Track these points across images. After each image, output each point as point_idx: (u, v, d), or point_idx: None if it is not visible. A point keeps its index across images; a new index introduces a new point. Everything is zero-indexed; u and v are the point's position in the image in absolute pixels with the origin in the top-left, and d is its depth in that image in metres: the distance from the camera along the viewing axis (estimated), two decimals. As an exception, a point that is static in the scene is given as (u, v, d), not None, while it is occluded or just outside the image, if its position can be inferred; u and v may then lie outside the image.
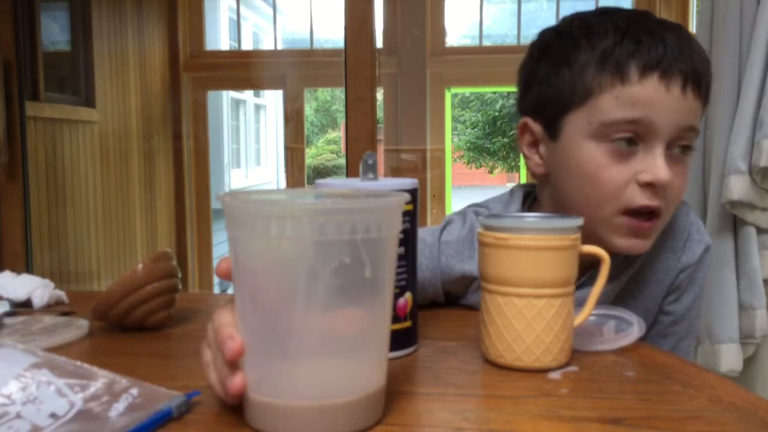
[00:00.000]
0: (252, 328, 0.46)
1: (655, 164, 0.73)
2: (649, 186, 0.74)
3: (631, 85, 0.74)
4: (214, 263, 3.63)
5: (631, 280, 0.85)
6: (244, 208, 0.45)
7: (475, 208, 0.89)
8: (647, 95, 0.73)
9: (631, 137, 0.74)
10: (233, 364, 0.46)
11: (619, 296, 0.85)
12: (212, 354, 0.50)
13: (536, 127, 0.82)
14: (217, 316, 0.49)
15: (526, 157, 0.85)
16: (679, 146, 0.76)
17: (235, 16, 4.56)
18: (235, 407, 0.48)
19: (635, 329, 0.67)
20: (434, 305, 0.83)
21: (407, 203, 0.61)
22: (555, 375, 0.58)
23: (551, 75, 0.80)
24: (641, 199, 0.74)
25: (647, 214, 0.75)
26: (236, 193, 0.47)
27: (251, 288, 0.46)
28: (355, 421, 0.46)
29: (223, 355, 0.46)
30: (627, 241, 0.77)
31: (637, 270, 0.85)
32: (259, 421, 0.47)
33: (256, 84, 4.39)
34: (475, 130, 12.68)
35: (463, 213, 0.88)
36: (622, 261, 0.83)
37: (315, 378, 0.46)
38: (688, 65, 0.74)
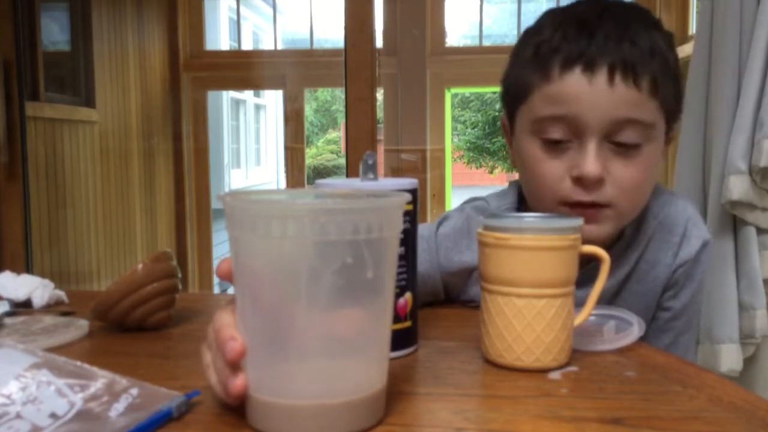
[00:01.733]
0: (253, 328, 0.46)
1: (584, 159, 0.73)
2: (580, 181, 0.74)
3: (553, 83, 0.75)
4: (214, 263, 3.63)
5: (629, 277, 0.85)
6: (245, 209, 0.45)
7: (474, 202, 0.90)
8: (569, 91, 0.73)
9: (562, 135, 0.75)
10: (235, 366, 0.46)
11: (618, 293, 0.85)
12: (212, 355, 0.50)
13: (507, 123, 0.86)
14: (218, 317, 0.49)
15: (509, 152, 0.88)
16: (621, 141, 0.74)
17: (235, 16, 4.56)
18: (235, 408, 0.48)
19: (635, 329, 0.67)
20: (434, 305, 0.83)
21: (407, 203, 0.62)
22: (555, 375, 0.58)
23: (509, 71, 0.83)
24: (574, 194, 0.76)
25: (589, 205, 0.76)
26: (237, 193, 0.47)
27: (252, 288, 0.46)
28: (356, 421, 0.46)
29: (225, 356, 0.46)
30: None
31: (633, 266, 0.85)
32: (261, 421, 0.47)
33: (256, 84, 4.39)
34: (475, 130, 12.68)
35: (460, 208, 0.90)
36: (616, 258, 0.83)
37: (316, 378, 0.45)
38: (616, 56, 0.72)
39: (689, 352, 0.89)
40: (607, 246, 0.81)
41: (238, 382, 0.46)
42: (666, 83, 0.75)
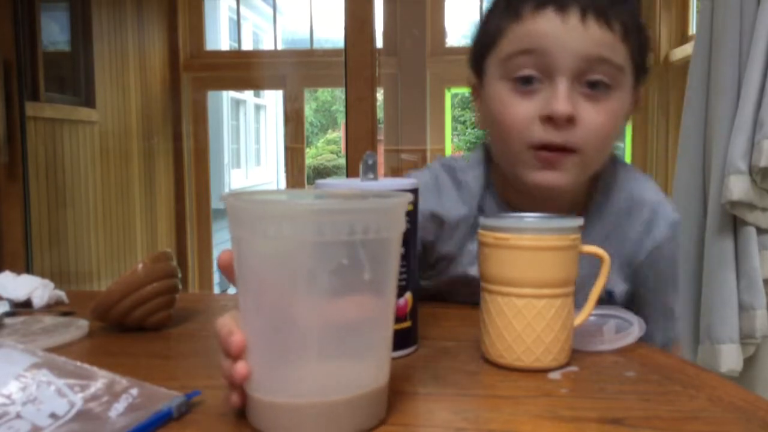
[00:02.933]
0: (255, 327, 0.46)
1: (555, 98, 0.73)
2: (550, 120, 0.73)
3: (524, 22, 0.75)
4: (215, 263, 3.63)
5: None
6: (245, 209, 0.46)
7: (442, 160, 0.90)
8: (540, 28, 0.74)
9: (532, 74, 0.74)
10: (238, 358, 0.47)
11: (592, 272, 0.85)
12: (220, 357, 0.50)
13: (474, 81, 0.85)
14: (217, 320, 0.50)
15: (475, 112, 0.88)
16: (593, 81, 0.74)
17: (235, 16, 4.57)
18: (236, 409, 0.48)
19: (635, 329, 0.67)
20: (434, 305, 0.83)
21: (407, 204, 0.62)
22: (555, 375, 0.58)
23: (480, 23, 0.83)
24: (543, 134, 0.75)
25: (557, 147, 0.75)
26: (239, 193, 0.48)
27: (253, 288, 0.46)
28: (357, 421, 0.46)
29: (228, 350, 0.47)
30: (539, 175, 0.77)
31: (603, 241, 0.82)
32: (261, 420, 0.47)
33: (256, 84, 4.39)
34: (475, 130, 12.68)
35: (428, 166, 0.90)
36: (587, 227, 0.81)
37: (317, 377, 0.46)
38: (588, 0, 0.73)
39: (673, 334, 0.89)
40: (578, 213, 0.80)
41: (239, 368, 0.46)
42: (635, 32, 0.76)
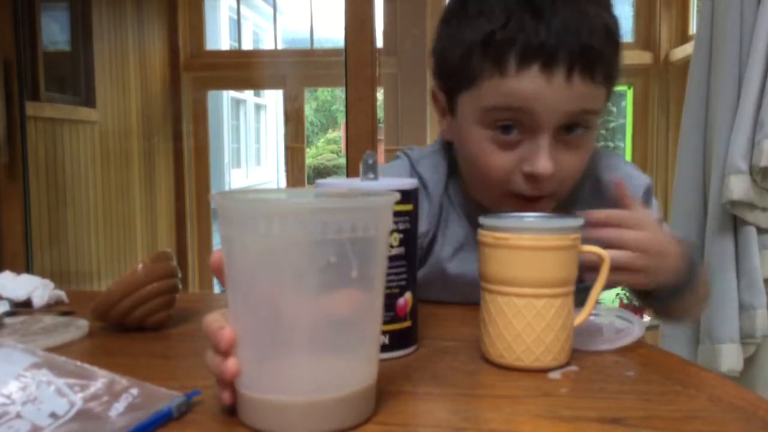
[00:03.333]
0: (244, 324, 0.47)
1: (537, 156, 0.72)
2: (533, 177, 0.74)
3: (509, 78, 0.71)
4: (214, 263, 3.63)
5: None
6: (233, 207, 0.46)
7: (407, 151, 0.90)
8: (526, 88, 0.71)
9: (513, 125, 0.73)
10: (228, 353, 0.47)
11: None
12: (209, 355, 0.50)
13: (441, 98, 0.83)
14: (205, 317, 0.50)
15: (438, 121, 0.86)
16: (573, 129, 0.74)
17: (235, 16, 4.57)
18: (235, 408, 0.48)
19: (635, 329, 0.67)
20: (434, 305, 0.83)
21: (407, 203, 0.62)
22: (555, 375, 0.58)
23: (447, 49, 0.79)
24: (525, 188, 0.75)
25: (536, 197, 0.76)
26: (227, 192, 0.48)
27: (242, 286, 0.47)
28: (344, 418, 0.47)
29: (218, 345, 0.47)
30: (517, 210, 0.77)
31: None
32: (250, 417, 0.47)
33: (256, 84, 4.39)
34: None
35: (395, 157, 0.91)
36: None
37: (305, 374, 0.46)
38: (575, 47, 0.70)
39: None
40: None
41: (229, 365, 0.46)
42: (617, 67, 0.76)
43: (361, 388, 0.47)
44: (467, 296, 0.81)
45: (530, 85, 0.71)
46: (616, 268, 0.64)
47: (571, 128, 0.74)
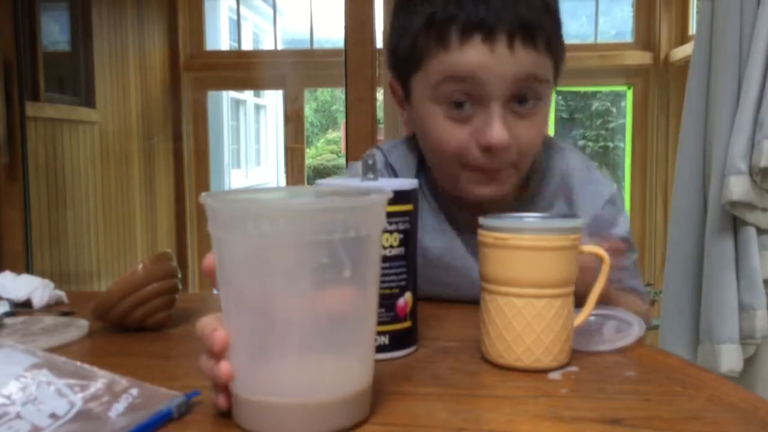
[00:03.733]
0: (236, 326, 0.47)
1: (491, 127, 0.74)
2: (489, 148, 0.75)
3: (452, 51, 0.73)
4: (214, 263, 3.63)
5: None
6: (221, 209, 0.46)
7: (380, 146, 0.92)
8: (470, 59, 0.73)
9: (465, 100, 0.75)
10: (221, 356, 0.47)
11: None
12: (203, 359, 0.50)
13: (398, 88, 0.85)
14: (199, 321, 0.50)
15: (400, 114, 0.88)
16: (524, 99, 0.75)
17: (235, 16, 4.56)
18: (230, 411, 0.48)
19: (635, 329, 0.67)
20: (434, 305, 0.83)
21: (407, 203, 0.62)
22: (555, 375, 0.58)
23: (398, 39, 0.81)
24: (480, 159, 0.76)
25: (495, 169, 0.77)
26: (216, 193, 0.48)
27: (234, 288, 0.47)
28: (338, 420, 0.46)
29: (211, 347, 0.47)
30: (478, 188, 0.79)
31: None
32: (245, 419, 0.47)
33: (256, 84, 4.39)
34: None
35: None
36: (528, 208, 0.84)
37: (298, 375, 0.46)
38: (514, 20, 0.72)
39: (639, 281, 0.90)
40: (514, 198, 0.84)
41: (222, 368, 0.46)
42: (558, 39, 0.77)
43: (355, 391, 0.47)
44: (454, 287, 0.82)
45: (474, 56, 0.73)
46: None
47: (523, 100, 0.76)
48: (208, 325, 0.48)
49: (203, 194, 0.46)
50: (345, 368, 0.47)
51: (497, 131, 0.73)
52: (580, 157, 0.91)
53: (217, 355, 0.47)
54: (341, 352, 0.47)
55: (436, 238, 0.86)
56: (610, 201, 0.87)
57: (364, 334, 0.48)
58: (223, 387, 0.48)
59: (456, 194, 0.83)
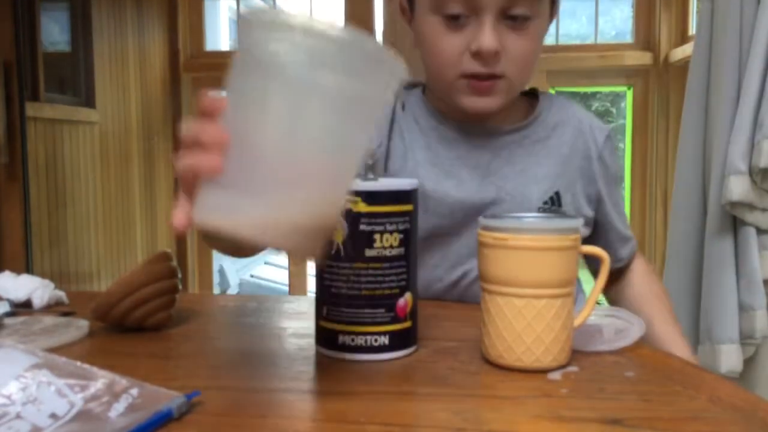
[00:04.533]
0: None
1: (482, 34, 0.80)
2: (479, 55, 0.81)
3: None
4: (214, 264, 3.63)
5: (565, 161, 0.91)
6: (255, 22, 0.46)
7: None
8: None
9: (460, 11, 0.81)
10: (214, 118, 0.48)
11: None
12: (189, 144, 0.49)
13: (405, 5, 0.92)
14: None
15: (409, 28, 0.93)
16: (515, 15, 0.81)
17: (235, 17, 4.56)
18: (235, 407, 0.48)
19: (635, 329, 0.67)
20: (434, 305, 0.83)
21: (407, 203, 0.62)
22: (555, 375, 0.58)
23: None
24: (473, 66, 0.82)
25: (487, 76, 0.83)
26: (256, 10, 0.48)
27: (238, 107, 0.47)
28: (291, 243, 0.47)
29: (208, 108, 0.49)
30: (471, 100, 0.85)
31: (544, 143, 0.91)
32: (206, 210, 0.47)
33: (256, 84, 4.39)
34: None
35: None
36: (532, 131, 0.92)
37: (271, 190, 0.46)
38: None
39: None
40: (518, 120, 0.92)
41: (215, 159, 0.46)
42: None
43: (314, 224, 0.47)
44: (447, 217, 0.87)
45: None
46: None
47: (516, 17, 0.81)
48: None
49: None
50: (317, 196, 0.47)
51: (487, 37, 0.79)
52: (580, 106, 0.99)
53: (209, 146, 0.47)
54: (315, 181, 0.47)
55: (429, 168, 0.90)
56: (609, 137, 0.95)
57: (340, 171, 0.48)
58: (201, 181, 0.47)
59: (452, 108, 0.89)
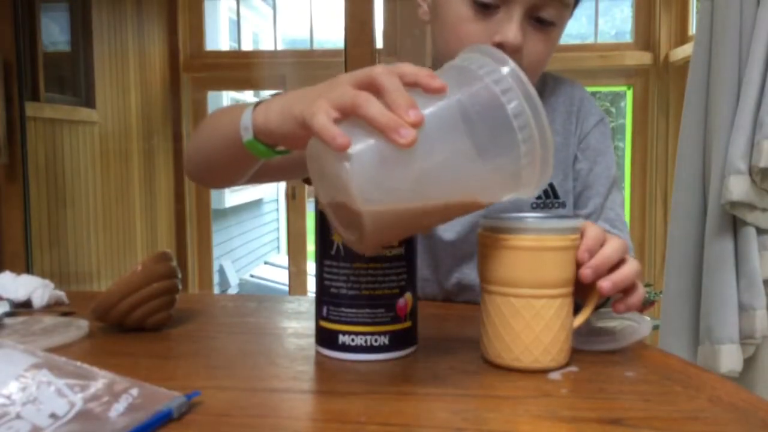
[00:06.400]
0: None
1: (509, 27, 0.79)
2: (500, 46, 0.78)
3: None
4: (215, 263, 3.63)
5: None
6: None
7: None
8: None
9: (492, 0, 0.79)
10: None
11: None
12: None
13: None
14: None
15: (417, 4, 0.92)
16: (542, 18, 0.80)
17: (235, 17, 4.56)
18: (237, 406, 0.48)
19: (636, 330, 0.67)
20: (434, 305, 0.83)
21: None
22: (555, 375, 0.58)
23: None
24: None
25: None
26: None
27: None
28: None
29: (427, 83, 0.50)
30: None
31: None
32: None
33: (256, 84, 4.38)
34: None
35: None
36: None
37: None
38: None
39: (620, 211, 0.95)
40: None
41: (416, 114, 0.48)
42: None
43: None
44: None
45: None
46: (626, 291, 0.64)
47: (543, 20, 0.80)
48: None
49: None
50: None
51: (513, 31, 0.78)
52: (578, 84, 0.98)
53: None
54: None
55: None
56: (603, 121, 0.94)
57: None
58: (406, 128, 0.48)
59: None
